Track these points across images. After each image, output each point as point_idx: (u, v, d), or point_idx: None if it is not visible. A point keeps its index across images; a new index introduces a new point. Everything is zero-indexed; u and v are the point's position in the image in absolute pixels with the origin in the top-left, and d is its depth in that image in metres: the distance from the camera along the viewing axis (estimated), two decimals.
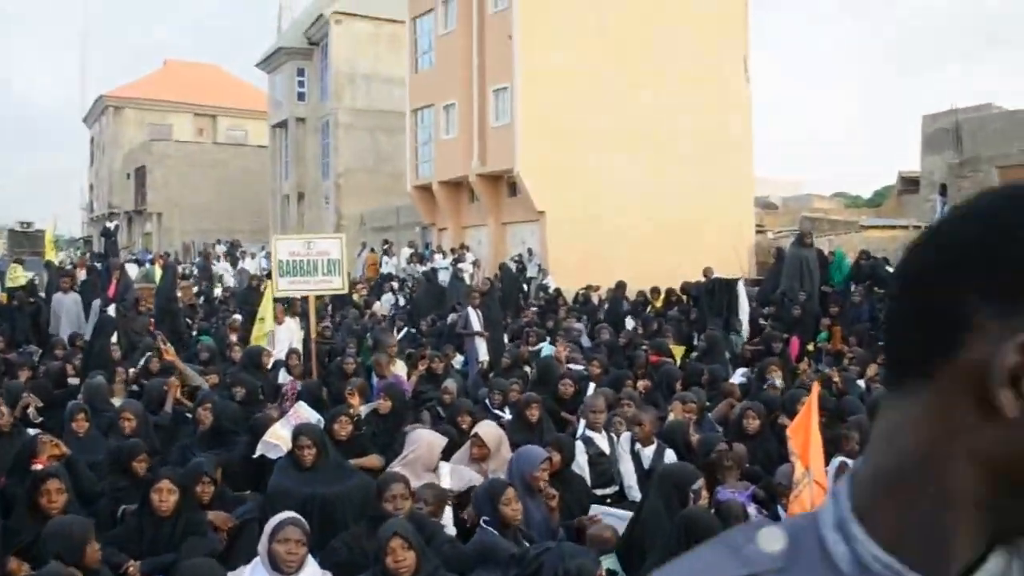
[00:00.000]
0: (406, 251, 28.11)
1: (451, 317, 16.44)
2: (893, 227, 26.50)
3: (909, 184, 29.46)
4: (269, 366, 11.34)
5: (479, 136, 26.89)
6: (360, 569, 4.78)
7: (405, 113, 31.11)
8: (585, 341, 14.67)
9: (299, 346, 12.04)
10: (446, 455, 6.88)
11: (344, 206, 38.13)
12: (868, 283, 16.59)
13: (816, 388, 6.30)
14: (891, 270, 17.82)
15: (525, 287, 22.70)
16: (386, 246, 30.02)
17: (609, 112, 25.90)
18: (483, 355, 14.17)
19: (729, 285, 15.57)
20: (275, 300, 12.57)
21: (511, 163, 25.35)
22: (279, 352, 12.10)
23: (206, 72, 60.01)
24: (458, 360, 13.84)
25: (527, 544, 5.14)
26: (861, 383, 10.01)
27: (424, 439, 6.76)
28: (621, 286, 18.21)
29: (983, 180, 19.90)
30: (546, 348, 13.03)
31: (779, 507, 6.13)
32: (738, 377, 11.27)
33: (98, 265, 18.17)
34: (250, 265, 28.12)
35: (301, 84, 41.29)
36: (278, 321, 13.04)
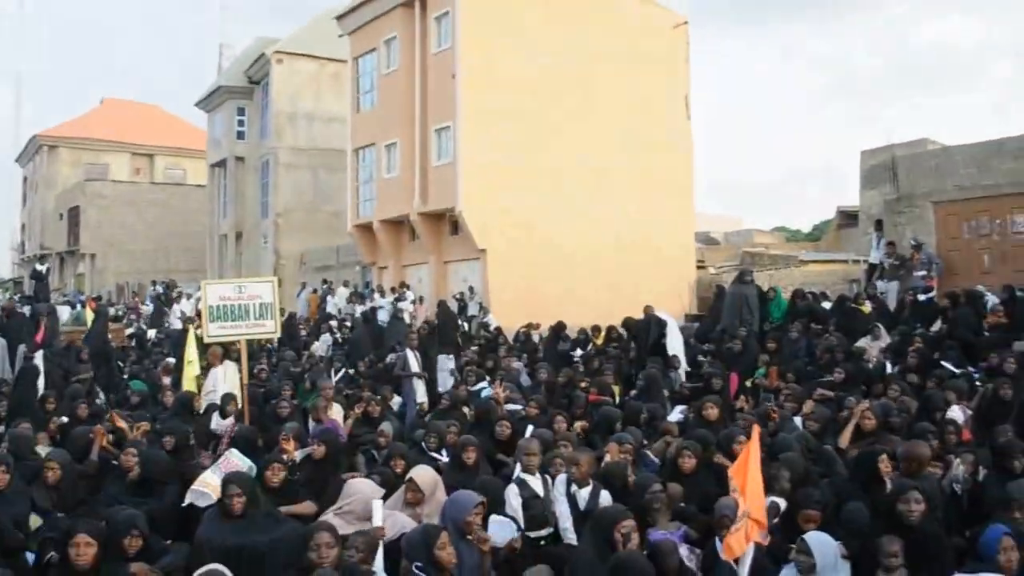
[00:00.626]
0: (343, 291, 27.89)
1: (390, 357, 16.31)
2: (832, 261, 27.15)
3: (848, 218, 30.09)
4: (201, 411, 11.12)
5: (421, 175, 26.84)
6: None
7: (346, 151, 31.00)
8: (525, 380, 14.62)
9: (236, 389, 11.77)
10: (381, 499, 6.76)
11: (283, 245, 37.82)
12: (806, 319, 16.80)
13: (756, 430, 6.26)
14: (827, 305, 18.18)
15: (466, 325, 22.65)
16: (326, 285, 29.83)
17: (551, 151, 26.08)
18: (421, 396, 14.13)
19: (660, 324, 15.69)
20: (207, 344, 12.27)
21: (453, 202, 25.33)
22: (214, 395, 11.82)
23: (144, 111, 59.43)
24: (396, 401, 13.73)
25: None
26: (797, 420, 10.08)
27: (360, 491, 6.64)
28: (560, 326, 18.25)
29: (919, 215, 20.28)
30: (486, 389, 12.96)
31: (716, 540, 6.07)
32: (676, 415, 11.30)
33: (25, 310, 17.68)
34: (186, 306, 27.71)
35: (241, 123, 41.05)
36: (214, 364, 12.73)
